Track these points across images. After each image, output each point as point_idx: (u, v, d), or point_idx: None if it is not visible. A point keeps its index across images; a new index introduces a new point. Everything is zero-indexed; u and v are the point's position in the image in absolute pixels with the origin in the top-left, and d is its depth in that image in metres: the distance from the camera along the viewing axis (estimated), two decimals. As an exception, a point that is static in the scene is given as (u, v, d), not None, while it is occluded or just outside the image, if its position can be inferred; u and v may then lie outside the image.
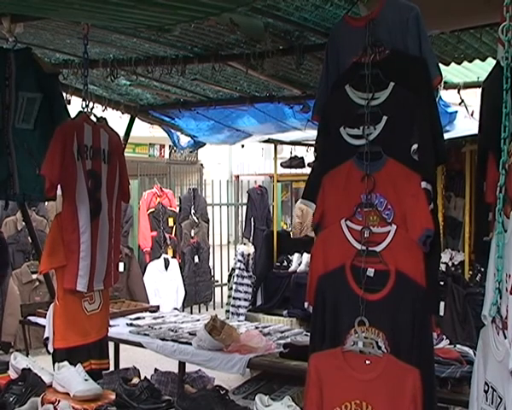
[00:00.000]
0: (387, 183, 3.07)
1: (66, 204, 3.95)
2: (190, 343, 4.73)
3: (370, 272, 3.06)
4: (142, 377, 4.22)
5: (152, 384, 3.80)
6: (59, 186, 3.86)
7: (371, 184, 3.08)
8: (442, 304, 6.62)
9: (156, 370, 5.93)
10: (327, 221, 3.28)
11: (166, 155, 16.47)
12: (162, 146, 16.74)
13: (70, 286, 3.99)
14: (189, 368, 4.99)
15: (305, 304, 3.33)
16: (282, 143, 9.52)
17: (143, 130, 7.86)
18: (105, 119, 4.16)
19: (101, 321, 4.29)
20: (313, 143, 3.61)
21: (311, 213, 10.84)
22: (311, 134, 6.94)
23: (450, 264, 7.81)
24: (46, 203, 9.77)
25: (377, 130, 3.09)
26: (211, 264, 11.58)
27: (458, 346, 4.46)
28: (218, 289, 11.90)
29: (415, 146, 2.99)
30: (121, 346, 5.77)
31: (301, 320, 7.86)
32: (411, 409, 2.85)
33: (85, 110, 4.07)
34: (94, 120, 4.09)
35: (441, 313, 6.50)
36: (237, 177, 14.70)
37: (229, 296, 9.72)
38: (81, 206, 3.92)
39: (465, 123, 6.16)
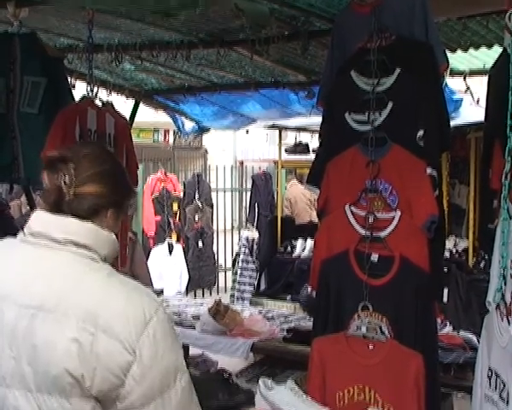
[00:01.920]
0: (392, 169, 3.07)
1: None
2: (194, 327, 4.75)
3: (374, 257, 3.07)
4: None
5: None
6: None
7: (376, 170, 3.09)
8: (445, 291, 6.63)
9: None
10: (331, 207, 3.29)
11: (171, 141, 16.43)
12: (166, 131, 16.70)
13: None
14: (193, 352, 5.01)
15: (309, 289, 3.35)
16: (287, 128, 9.51)
17: (148, 115, 7.87)
18: (111, 103, 4.16)
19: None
20: (318, 129, 3.60)
21: (300, 203, 10.83)
22: (316, 120, 6.92)
23: (454, 251, 7.83)
24: (50, 187, 9.77)
25: (382, 116, 3.09)
26: (215, 249, 11.60)
27: (462, 332, 4.48)
28: (221, 274, 11.91)
29: (420, 132, 2.99)
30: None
31: (304, 305, 7.89)
32: (414, 394, 2.87)
33: (90, 95, 4.07)
34: (99, 104, 4.09)
35: (445, 300, 6.51)
36: (241, 162, 14.66)
37: (233, 281, 9.74)
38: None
39: (470, 110, 6.14)
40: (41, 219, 1.74)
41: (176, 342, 1.70)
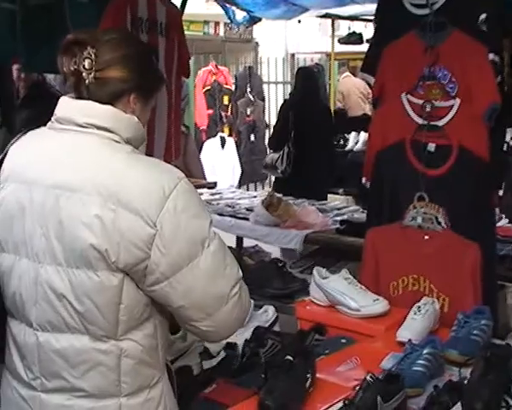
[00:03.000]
0: (452, 55, 2.97)
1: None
2: (248, 219, 4.78)
3: (431, 146, 3.01)
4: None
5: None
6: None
7: (434, 57, 2.99)
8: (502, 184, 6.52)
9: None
10: (386, 95, 3.22)
11: (221, 33, 16.20)
12: (217, 24, 16.45)
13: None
14: (247, 243, 5.06)
15: (363, 179, 3.30)
16: (340, 17, 9.27)
17: (198, 7, 7.75)
18: (162, -9, 4.08)
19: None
20: (372, 18, 3.49)
21: (353, 96, 10.59)
22: (370, 8, 6.70)
23: (511, 143, 7.64)
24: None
25: (442, -2, 2.96)
26: (267, 142, 11.57)
27: (517, 225, 4.41)
28: (273, 168, 11.91)
29: (483, 16, 2.86)
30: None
31: (357, 198, 7.86)
32: (470, 284, 2.85)
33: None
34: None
35: (500, 193, 6.41)
36: (293, 55, 14.38)
37: (285, 174, 9.73)
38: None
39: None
40: (65, 105, 1.77)
41: (201, 211, 1.74)
